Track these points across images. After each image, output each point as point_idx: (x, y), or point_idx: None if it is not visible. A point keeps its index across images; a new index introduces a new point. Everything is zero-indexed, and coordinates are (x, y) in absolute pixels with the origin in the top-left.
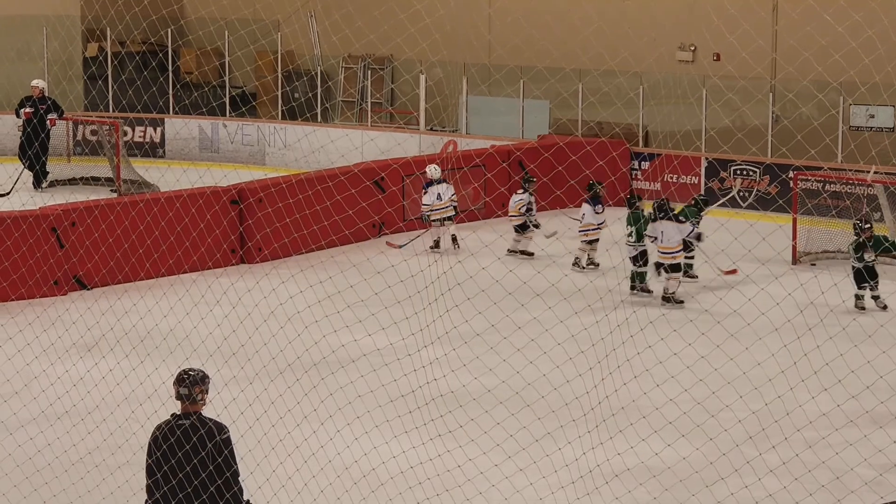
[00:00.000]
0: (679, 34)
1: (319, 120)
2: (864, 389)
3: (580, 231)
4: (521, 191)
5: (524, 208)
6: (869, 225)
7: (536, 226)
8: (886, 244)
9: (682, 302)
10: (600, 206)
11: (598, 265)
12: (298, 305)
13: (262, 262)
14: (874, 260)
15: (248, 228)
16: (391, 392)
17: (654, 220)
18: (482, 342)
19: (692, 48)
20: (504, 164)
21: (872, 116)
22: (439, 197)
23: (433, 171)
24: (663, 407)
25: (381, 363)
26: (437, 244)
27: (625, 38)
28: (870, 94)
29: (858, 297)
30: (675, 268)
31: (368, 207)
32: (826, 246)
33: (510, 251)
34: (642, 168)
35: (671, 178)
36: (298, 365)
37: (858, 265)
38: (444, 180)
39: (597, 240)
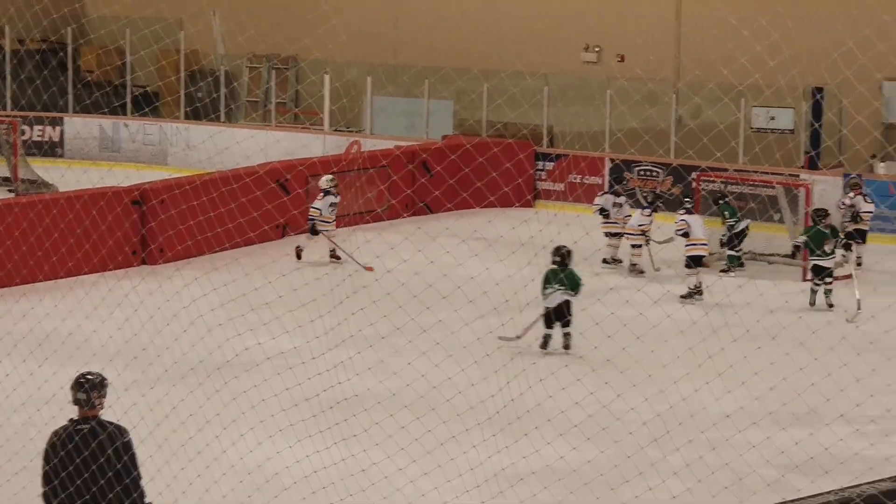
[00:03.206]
0: (584, 35)
1: (223, 120)
2: (767, 391)
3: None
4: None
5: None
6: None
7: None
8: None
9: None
10: (649, 210)
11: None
12: (202, 308)
13: (165, 264)
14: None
15: (151, 230)
16: (295, 396)
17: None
18: (387, 345)
19: (597, 49)
20: (410, 167)
21: (773, 118)
22: (332, 208)
23: (327, 180)
24: (568, 410)
25: (286, 366)
26: (298, 255)
27: (531, 39)
28: (774, 98)
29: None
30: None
31: (273, 209)
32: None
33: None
34: (547, 169)
35: (576, 178)
36: (201, 368)
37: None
38: (339, 194)
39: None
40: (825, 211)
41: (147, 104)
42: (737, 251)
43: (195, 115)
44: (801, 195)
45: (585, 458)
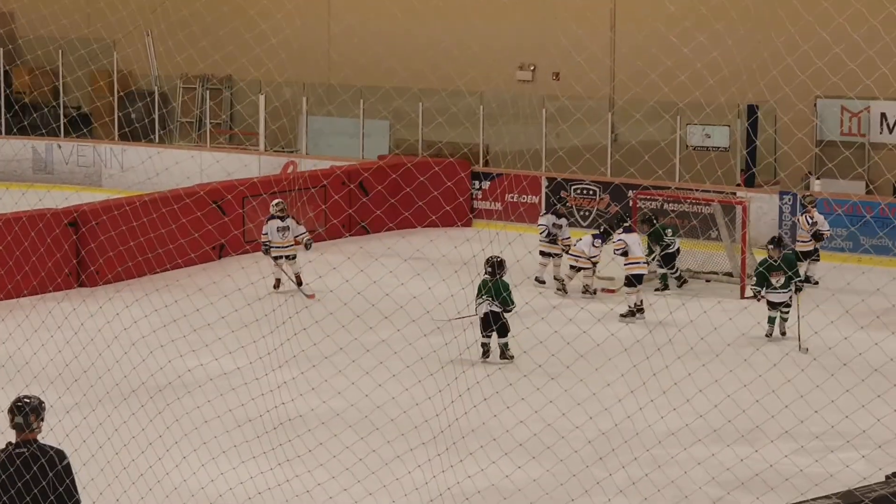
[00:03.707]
0: (519, 53)
1: (157, 141)
2: (711, 408)
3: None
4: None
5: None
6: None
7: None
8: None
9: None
10: (600, 240)
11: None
12: (143, 330)
13: (103, 286)
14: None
15: (88, 251)
16: (239, 417)
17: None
18: (330, 365)
19: (532, 67)
20: (353, 186)
21: (708, 136)
22: (280, 233)
23: (272, 206)
24: (513, 428)
25: (229, 387)
26: (277, 284)
27: (465, 57)
28: (710, 116)
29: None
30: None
31: (211, 230)
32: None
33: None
34: (483, 188)
35: (512, 197)
36: (144, 390)
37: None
38: (289, 216)
39: (586, 268)
40: (778, 238)
41: (82, 125)
42: (671, 270)
43: (130, 136)
44: (739, 212)
45: (531, 477)
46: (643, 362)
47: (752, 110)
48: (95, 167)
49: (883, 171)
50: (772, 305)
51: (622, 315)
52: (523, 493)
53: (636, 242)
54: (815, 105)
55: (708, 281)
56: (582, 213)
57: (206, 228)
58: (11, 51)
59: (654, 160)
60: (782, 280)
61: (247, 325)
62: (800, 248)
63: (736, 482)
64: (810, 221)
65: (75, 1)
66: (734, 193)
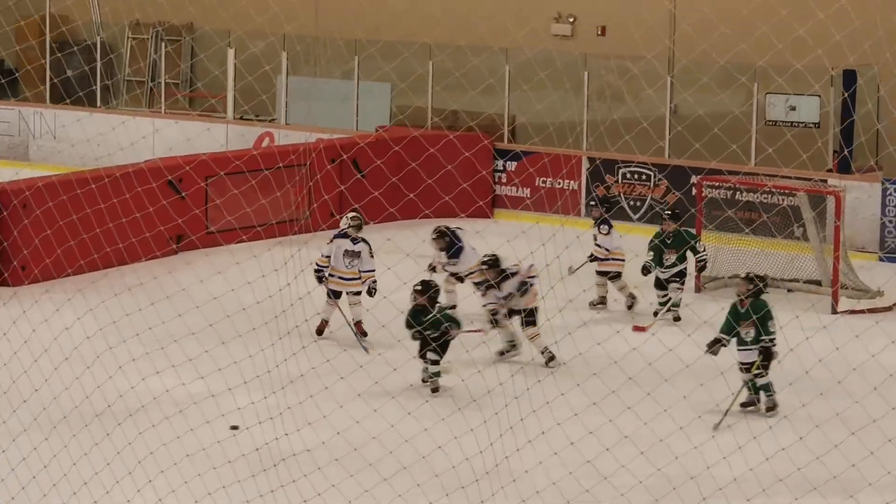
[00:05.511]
0: (555, 2)
1: (99, 104)
2: (780, 451)
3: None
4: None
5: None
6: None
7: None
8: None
9: None
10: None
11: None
12: (98, 347)
13: (32, 285)
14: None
15: (12, 242)
16: (231, 450)
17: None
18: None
19: (571, 20)
20: (360, 172)
21: (793, 109)
22: (347, 259)
23: (345, 218)
24: (551, 471)
25: (211, 416)
26: (322, 328)
27: (487, 5)
28: (795, 84)
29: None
30: None
31: (164, 217)
32: (737, 270)
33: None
34: (508, 169)
35: (544, 182)
36: (108, 415)
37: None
38: (360, 239)
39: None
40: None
41: (5, 86)
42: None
43: (64, 98)
44: (830, 205)
45: None
46: (697, 390)
47: (849, 77)
48: (22, 136)
49: None
50: (740, 366)
51: (498, 353)
52: None
53: None
54: None
55: (790, 291)
56: (632, 202)
57: (161, 215)
58: None
59: (722, 138)
60: (752, 333)
61: (241, 335)
62: None
63: None
64: None
65: None
66: (825, 181)
